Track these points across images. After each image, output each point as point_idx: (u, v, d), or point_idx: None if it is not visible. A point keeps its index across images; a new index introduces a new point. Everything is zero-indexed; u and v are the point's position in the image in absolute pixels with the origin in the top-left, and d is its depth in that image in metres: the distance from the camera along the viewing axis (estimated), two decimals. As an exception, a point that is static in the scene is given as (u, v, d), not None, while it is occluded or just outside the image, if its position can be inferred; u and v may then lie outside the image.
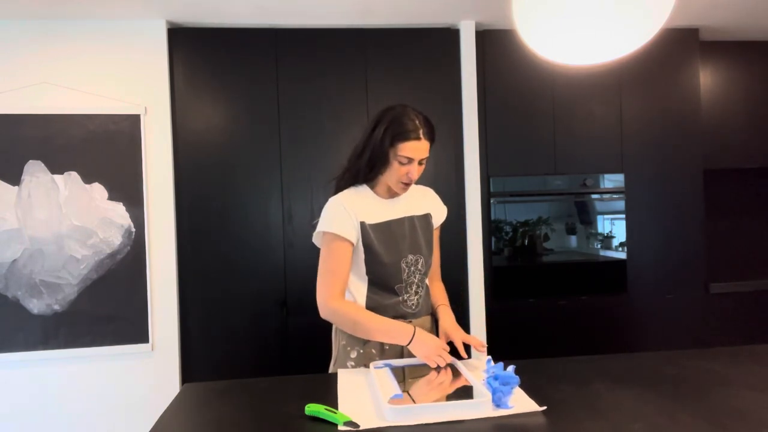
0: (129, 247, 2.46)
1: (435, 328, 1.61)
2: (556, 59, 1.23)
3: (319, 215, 1.53)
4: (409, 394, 1.24)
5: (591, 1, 1.10)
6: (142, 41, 2.48)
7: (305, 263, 2.55)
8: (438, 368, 1.39)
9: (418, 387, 1.31)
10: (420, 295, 1.56)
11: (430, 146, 1.48)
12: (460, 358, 1.44)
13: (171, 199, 2.51)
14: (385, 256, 1.49)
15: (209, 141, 2.55)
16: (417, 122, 1.43)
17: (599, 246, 2.79)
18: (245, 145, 2.57)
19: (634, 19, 1.11)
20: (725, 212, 3.31)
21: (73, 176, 2.43)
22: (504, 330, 2.69)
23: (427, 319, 1.60)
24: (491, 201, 2.70)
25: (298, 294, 2.57)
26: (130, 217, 2.46)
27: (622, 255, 2.78)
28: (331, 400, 1.23)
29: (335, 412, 1.11)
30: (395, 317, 1.51)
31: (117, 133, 2.46)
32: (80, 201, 2.43)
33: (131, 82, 2.47)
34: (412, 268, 1.53)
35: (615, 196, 2.78)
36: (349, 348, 1.52)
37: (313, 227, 1.53)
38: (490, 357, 1.32)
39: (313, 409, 1.13)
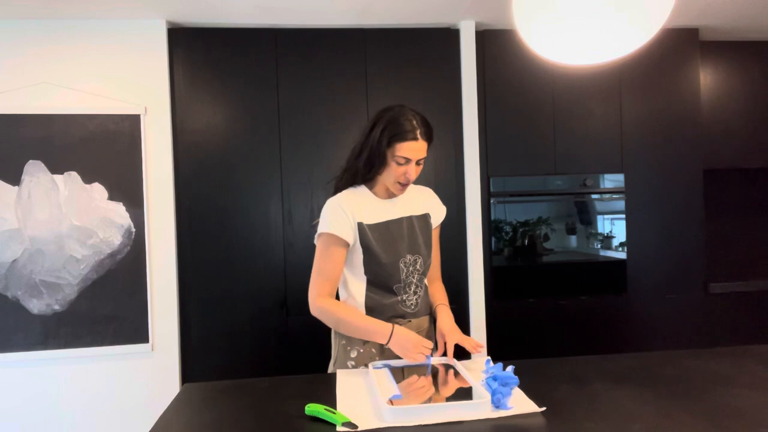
0: (129, 247, 2.46)
1: (434, 328, 1.61)
2: (556, 59, 1.23)
3: (319, 215, 1.54)
4: (408, 395, 1.24)
5: (591, 2, 1.09)
6: (142, 41, 2.48)
7: (305, 263, 2.55)
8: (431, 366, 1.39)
9: (418, 387, 1.31)
10: (419, 295, 1.56)
11: (428, 147, 1.48)
12: (460, 357, 1.44)
13: (171, 199, 2.51)
14: (383, 256, 1.49)
15: (209, 141, 2.55)
16: (414, 123, 1.43)
17: (599, 246, 2.79)
18: (245, 145, 2.57)
19: (634, 20, 1.11)
20: (725, 212, 3.31)
21: (73, 176, 2.43)
22: (504, 330, 2.69)
23: (425, 319, 1.60)
24: (491, 201, 2.70)
25: (298, 294, 2.57)
26: (130, 217, 2.46)
27: (622, 255, 2.78)
28: (331, 400, 1.23)
29: (334, 413, 1.11)
30: (394, 317, 1.51)
31: (117, 133, 2.46)
32: (80, 201, 2.43)
33: (131, 82, 2.47)
34: (411, 268, 1.53)
35: (615, 196, 2.78)
36: (349, 348, 1.53)
37: (314, 227, 1.54)
38: (489, 357, 1.32)
39: (313, 409, 1.13)
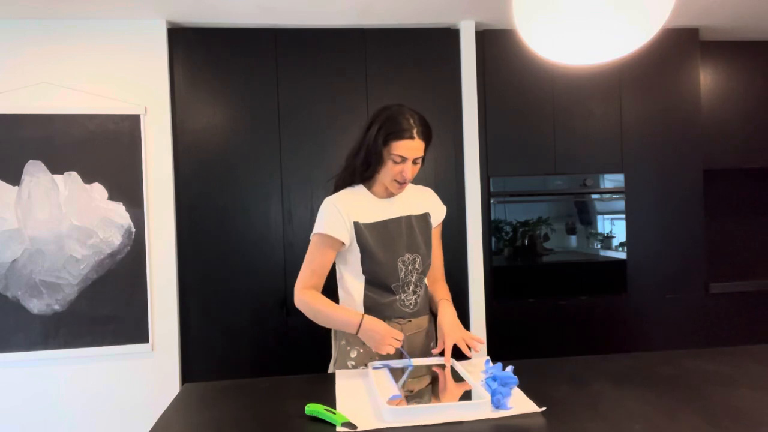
0: (129, 247, 2.46)
1: (435, 326, 1.61)
2: (556, 59, 1.23)
3: None
4: (407, 395, 1.24)
5: (591, 2, 1.09)
6: (142, 41, 2.48)
7: (305, 263, 2.54)
8: (435, 367, 1.39)
9: (417, 388, 1.31)
10: (418, 295, 1.55)
11: (426, 146, 1.48)
12: (459, 357, 1.43)
13: (171, 199, 2.51)
14: (380, 255, 1.49)
15: (209, 141, 2.55)
16: (411, 121, 1.43)
17: (599, 246, 2.79)
18: (245, 145, 2.57)
19: (634, 19, 1.11)
20: (725, 212, 3.31)
21: (73, 176, 2.43)
22: (504, 330, 2.69)
23: (425, 319, 1.59)
24: (491, 201, 2.70)
25: (298, 294, 2.57)
26: (130, 217, 2.46)
27: (622, 255, 2.78)
28: (331, 401, 1.23)
29: (334, 413, 1.11)
30: (393, 317, 1.51)
31: (117, 133, 2.46)
32: (80, 201, 2.43)
33: (131, 82, 2.47)
34: (410, 267, 1.53)
35: (615, 196, 2.78)
36: (349, 348, 1.53)
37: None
38: (488, 358, 1.32)
39: (312, 409, 1.13)
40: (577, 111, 2.76)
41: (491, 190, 2.70)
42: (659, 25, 1.11)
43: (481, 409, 1.12)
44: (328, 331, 1.62)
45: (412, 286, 1.54)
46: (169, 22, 2.51)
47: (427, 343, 1.60)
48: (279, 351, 2.57)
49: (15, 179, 2.39)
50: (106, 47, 2.46)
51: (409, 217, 1.56)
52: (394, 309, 1.52)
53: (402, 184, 1.49)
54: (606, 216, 2.78)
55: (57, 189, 2.41)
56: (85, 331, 2.42)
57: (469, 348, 1.45)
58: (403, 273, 1.52)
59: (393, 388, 1.22)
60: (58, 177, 2.42)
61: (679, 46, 2.82)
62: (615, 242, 2.78)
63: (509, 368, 1.21)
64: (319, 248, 1.50)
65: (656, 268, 2.81)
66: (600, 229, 2.79)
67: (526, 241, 2.73)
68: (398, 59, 2.64)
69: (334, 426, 1.09)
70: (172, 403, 1.28)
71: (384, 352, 1.39)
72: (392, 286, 1.51)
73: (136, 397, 2.46)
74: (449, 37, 2.68)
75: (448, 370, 1.38)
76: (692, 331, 2.82)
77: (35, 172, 2.40)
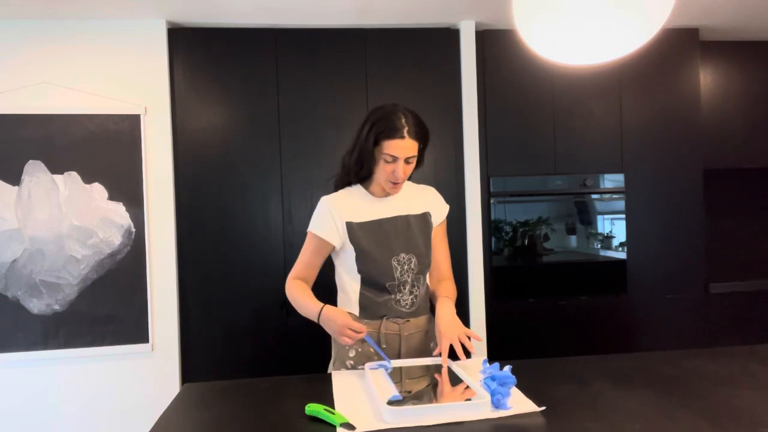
0: (129, 247, 2.46)
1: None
2: (556, 59, 1.23)
3: None
4: (407, 395, 1.24)
5: (591, 2, 1.09)
6: (142, 41, 2.48)
7: (305, 263, 2.54)
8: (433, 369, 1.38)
9: (416, 388, 1.31)
10: (415, 295, 1.54)
11: (421, 146, 1.48)
12: (455, 357, 1.42)
13: (171, 199, 2.50)
14: (374, 254, 1.50)
15: (209, 141, 2.55)
16: (403, 121, 1.43)
17: (599, 246, 2.79)
18: (245, 145, 2.57)
19: (634, 19, 1.11)
20: (725, 212, 3.31)
21: (73, 176, 2.43)
22: (504, 330, 2.69)
23: (424, 319, 1.58)
24: (491, 201, 2.70)
25: (298, 294, 2.57)
26: (130, 217, 2.46)
27: (622, 255, 2.78)
28: (331, 401, 1.23)
29: (333, 413, 1.11)
30: (390, 316, 1.51)
31: (117, 133, 2.46)
32: (80, 201, 2.43)
33: (131, 82, 2.47)
34: (405, 267, 1.52)
35: (615, 196, 2.78)
36: (347, 347, 1.53)
37: None
38: (485, 358, 1.32)
39: (312, 409, 1.13)
40: (577, 111, 2.76)
41: (491, 190, 2.70)
42: (659, 25, 1.11)
43: (481, 409, 1.12)
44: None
45: (408, 286, 1.53)
46: (169, 22, 2.51)
47: (427, 343, 1.59)
48: (279, 351, 2.56)
49: (15, 179, 2.39)
50: (106, 47, 2.46)
51: (406, 217, 1.55)
52: (389, 308, 1.52)
53: (396, 183, 1.49)
54: (606, 216, 2.78)
55: (57, 189, 2.41)
56: (85, 331, 2.42)
57: (465, 350, 1.41)
58: (398, 272, 1.51)
59: (392, 389, 1.22)
60: (58, 177, 2.42)
61: (679, 46, 2.82)
62: (615, 242, 2.78)
63: (507, 368, 1.21)
64: (309, 245, 1.57)
65: (656, 268, 2.81)
66: (600, 229, 2.79)
67: (526, 241, 2.73)
68: (398, 59, 2.64)
69: (334, 426, 1.09)
70: (172, 403, 1.28)
71: (343, 343, 1.41)
72: (387, 285, 1.51)
73: (136, 397, 2.46)
74: (449, 37, 2.68)
75: (445, 370, 1.37)
76: (692, 331, 2.82)
77: (35, 172, 2.40)
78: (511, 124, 2.72)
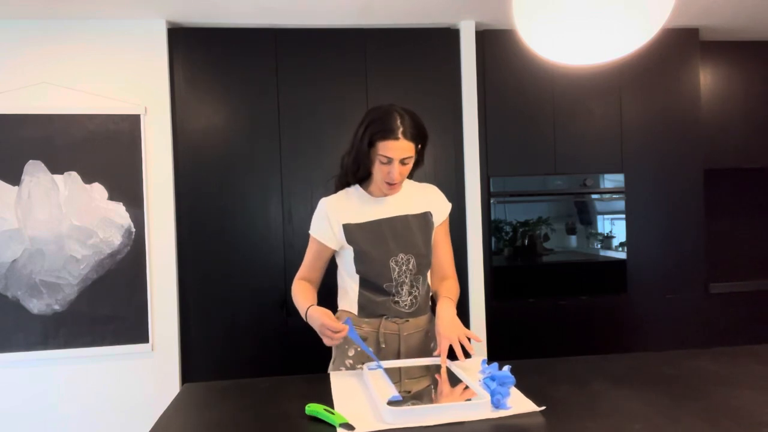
0: (129, 247, 2.46)
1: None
2: (556, 59, 1.23)
3: None
4: (407, 395, 1.24)
5: (591, 2, 1.09)
6: (142, 41, 2.48)
7: (305, 263, 2.54)
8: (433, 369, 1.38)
9: (415, 389, 1.30)
10: (414, 295, 1.54)
11: (416, 147, 1.48)
12: (455, 358, 1.41)
13: (171, 199, 2.50)
14: (371, 254, 1.50)
15: (209, 141, 2.55)
16: (398, 122, 1.43)
17: (599, 246, 2.79)
18: (245, 145, 2.57)
19: (634, 19, 1.11)
20: (725, 212, 3.31)
21: (73, 176, 2.43)
22: (504, 330, 2.69)
23: (424, 319, 1.58)
24: (491, 201, 2.70)
25: (298, 294, 2.57)
26: (130, 217, 2.46)
27: (622, 255, 2.78)
28: (331, 401, 1.23)
29: (333, 413, 1.11)
30: (389, 316, 1.51)
31: (117, 133, 2.46)
32: (80, 201, 2.43)
33: (131, 82, 2.47)
34: (403, 267, 1.52)
35: (615, 196, 2.78)
36: (346, 346, 1.53)
37: None
38: (484, 358, 1.32)
39: (312, 409, 1.13)
40: (577, 111, 2.76)
41: (491, 190, 2.70)
42: (659, 25, 1.11)
43: (481, 409, 1.12)
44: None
45: (406, 287, 1.53)
46: (169, 22, 2.51)
47: (428, 343, 1.59)
48: (279, 351, 2.56)
49: (15, 179, 2.39)
50: (106, 47, 2.46)
51: (405, 217, 1.55)
52: (388, 308, 1.52)
53: (392, 184, 1.49)
54: (606, 216, 2.78)
55: (57, 189, 2.41)
56: (85, 331, 2.42)
57: (465, 351, 1.41)
58: (396, 273, 1.51)
59: (392, 389, 1.22)
60: (58, 177, 2.42)
61: (679, 46, 2.82)
62: (615, 242, 2.78)
63: (506, 368, 1.20)
64: (310, 247, 1.59)
65: (656, 268, 2.81)
66: (600, 229, 2.79)
67: (526, 241, 2.73)
68: (398, 59, 2.64)
69: (334, 427, 1.09)
70: (172, 403, 1.28)
71: (326, 344, 1.41)
72: (384, 286, 1.51)
73: (136, 397, 2.46)
74: (449, 37, 2.67)
75: (444, 370, 1.37)
76: (692, 331, 2.82)
77: (35, 172, 2.40)
78: (511, 124, 2.72)
